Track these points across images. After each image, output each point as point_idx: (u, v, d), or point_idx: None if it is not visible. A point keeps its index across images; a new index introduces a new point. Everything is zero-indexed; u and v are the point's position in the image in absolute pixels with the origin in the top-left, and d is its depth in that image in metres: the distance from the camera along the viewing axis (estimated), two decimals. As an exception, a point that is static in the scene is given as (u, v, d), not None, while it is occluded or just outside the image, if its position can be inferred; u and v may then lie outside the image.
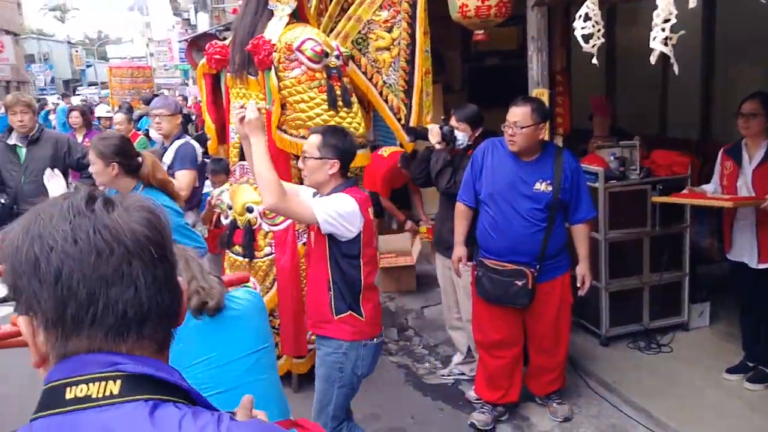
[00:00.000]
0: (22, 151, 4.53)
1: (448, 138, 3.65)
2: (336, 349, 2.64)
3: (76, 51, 49.80)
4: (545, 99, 3.64)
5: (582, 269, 3.36)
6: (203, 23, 20.55)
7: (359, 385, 2.75)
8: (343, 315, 2.62)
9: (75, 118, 7.10)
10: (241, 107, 2.67)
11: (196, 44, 10.64)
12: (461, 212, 3.46)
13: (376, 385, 4.03)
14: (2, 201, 4.46)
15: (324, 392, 2.70)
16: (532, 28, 3.83)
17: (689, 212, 4.19)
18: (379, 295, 2.88)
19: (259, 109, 2.66)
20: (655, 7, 2.14)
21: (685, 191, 3.86)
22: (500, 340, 3.42)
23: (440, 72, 5.53)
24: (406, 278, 5.61)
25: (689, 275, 4.27)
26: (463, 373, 4.02)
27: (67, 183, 4.72)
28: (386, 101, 4.07)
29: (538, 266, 3.23)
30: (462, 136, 3.68)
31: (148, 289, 0.82)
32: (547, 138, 3.46)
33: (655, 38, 2.12)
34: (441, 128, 3.68)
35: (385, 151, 5.89)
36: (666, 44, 2.13)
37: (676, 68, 2.19)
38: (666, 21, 2.11)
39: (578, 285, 3.37)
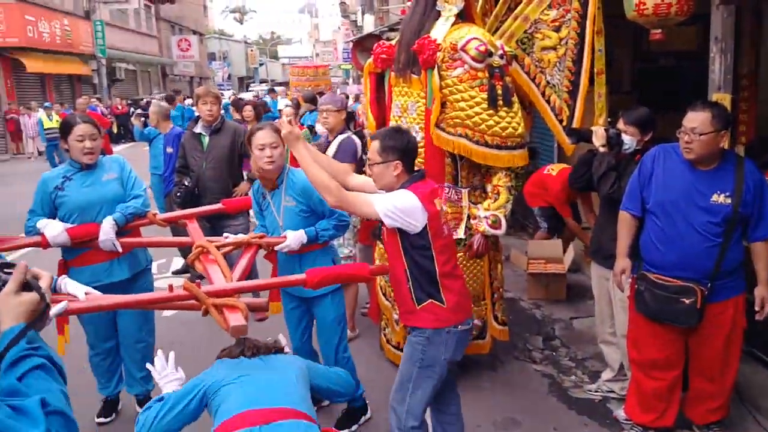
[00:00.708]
0: (206, 140, 5.00)
1: (613, 141, 3.47)
2: (419, 334, 2.71)
3: (252, 50, 53.99)
4: (727, 104, 3.34)
5: (761, 292, 3.03)
6: (368, 25, 21.32)
7: (445, 370, 2.75)
8: (424, 304, 2.67)
9: (248, 111, 7.70)
10: (277, 121, 2.92)
11: (361, 45, 11.05)
12: (626, 221, 3.27)
13: (517, 390, 3.96)
14: (186, 183, 4.97)
15: (405, 369, 2.76)
16: (717, 28, 3.53)
17: None
18: (464, 281, 2.87)
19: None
20: None
21: None
22: (658, 360, 3.20)
23: (606, 71, 5.28)
24: (555, 286, 5.44)
25: None
26: (612, 391, 3.81)
27: (241, 171, 5.17)
28: (548, 102, 3.96)
29: (709, 284, 2.98)
30: (629, 140, 3.47)
31: None
32: (727, 147, 3.17)
33: None
34: (606, 131, 3.51)
35: (553, 170, 5.70)
36: None
37: None
38: None
39: (756, 309, 3.06)
